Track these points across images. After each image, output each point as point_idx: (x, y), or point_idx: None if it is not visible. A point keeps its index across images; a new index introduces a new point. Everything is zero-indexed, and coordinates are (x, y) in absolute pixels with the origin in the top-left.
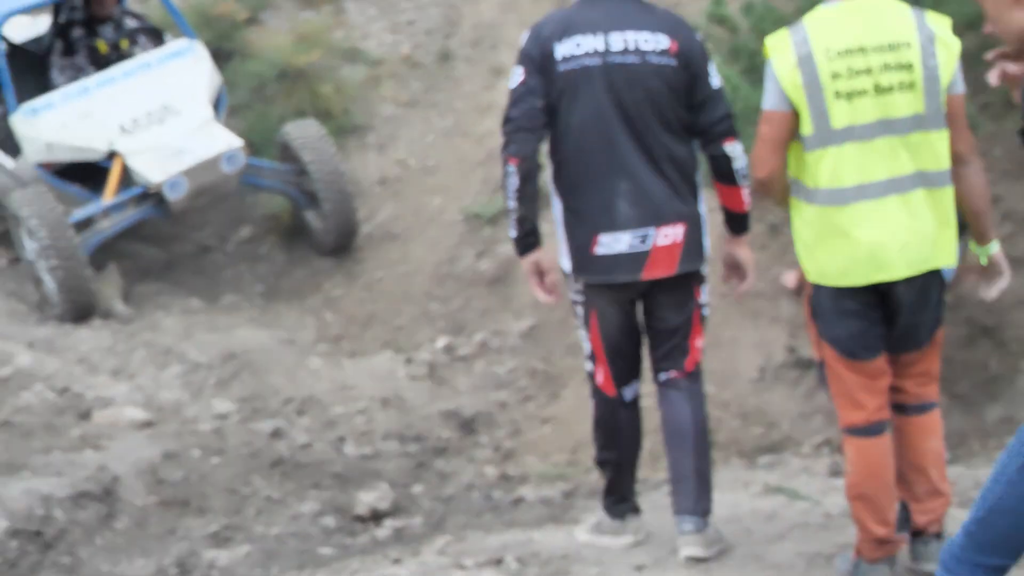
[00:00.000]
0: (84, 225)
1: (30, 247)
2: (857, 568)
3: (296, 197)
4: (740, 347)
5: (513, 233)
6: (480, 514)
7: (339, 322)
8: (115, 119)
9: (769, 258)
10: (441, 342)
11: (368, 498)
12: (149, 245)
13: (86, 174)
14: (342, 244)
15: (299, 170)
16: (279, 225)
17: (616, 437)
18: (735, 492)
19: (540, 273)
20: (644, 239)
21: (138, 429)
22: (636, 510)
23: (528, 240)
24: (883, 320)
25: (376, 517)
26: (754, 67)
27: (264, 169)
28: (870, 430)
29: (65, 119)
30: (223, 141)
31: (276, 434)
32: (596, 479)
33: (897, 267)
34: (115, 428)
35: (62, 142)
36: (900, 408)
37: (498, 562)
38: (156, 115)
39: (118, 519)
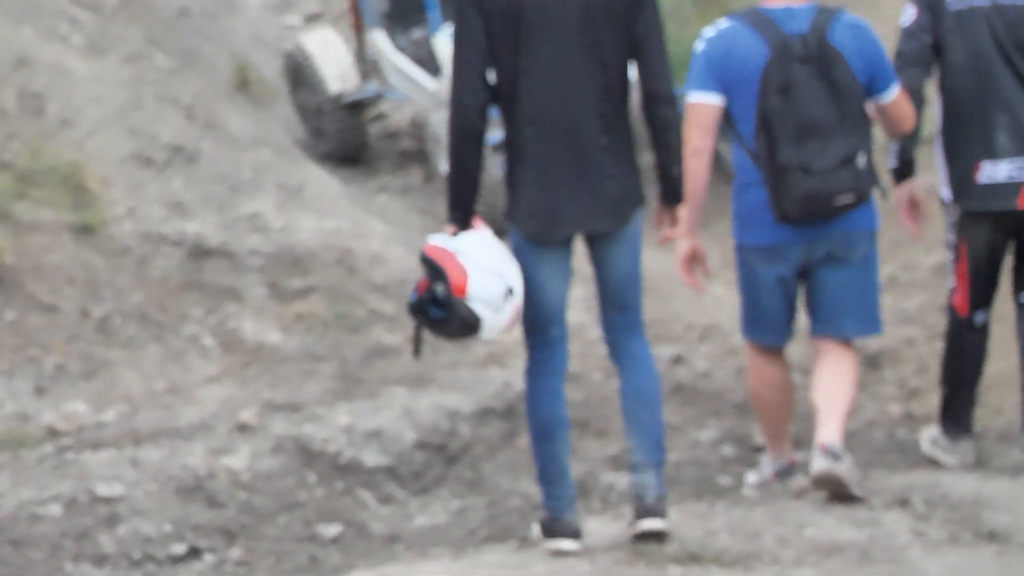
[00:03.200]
0: (499, 147)
1: (446, 167)
2: None
3: None
4: None
5: (893, 163)
6: (884, 453)
7: None
8: None
9: None
10: None
11: None
12: None
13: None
14: None
15: None
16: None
17: (959, 357)
18: None
19: (913, 202)
20: (1021, 168)
21: None
22: (970, 434)
23: (905, 169)
24: None
25: None
26: None
27: None
28: None
29: None
30: None
31: (677, 360)
32: (1005, 423)
33: None
34: (520, 346)
35: None
36: None
37: (904, 503)
38: None
39: (519, 437)
